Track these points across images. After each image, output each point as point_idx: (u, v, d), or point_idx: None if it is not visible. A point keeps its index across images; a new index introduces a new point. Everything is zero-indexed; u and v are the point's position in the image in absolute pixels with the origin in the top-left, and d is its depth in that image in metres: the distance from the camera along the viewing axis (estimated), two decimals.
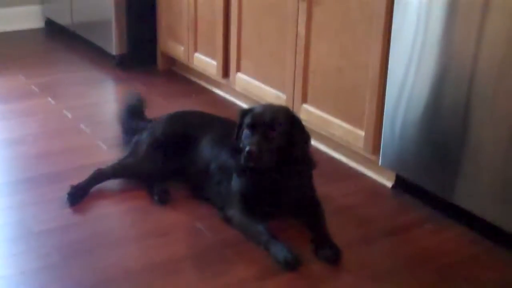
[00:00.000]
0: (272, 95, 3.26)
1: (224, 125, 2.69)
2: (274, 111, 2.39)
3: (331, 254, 2.24)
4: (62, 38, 4.82)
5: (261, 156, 2.27)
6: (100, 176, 2.66)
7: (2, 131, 3.28)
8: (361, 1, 2.69)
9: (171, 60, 4.21)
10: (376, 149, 2.77)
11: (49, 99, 3.66)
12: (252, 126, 2.31)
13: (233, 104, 3.68)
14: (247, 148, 2.26)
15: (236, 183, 2.41)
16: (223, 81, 3.68)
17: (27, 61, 4.34)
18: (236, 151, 2.39)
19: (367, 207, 2.66)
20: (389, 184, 2.80)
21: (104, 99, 3.92)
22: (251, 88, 3.44)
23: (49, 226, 2.43)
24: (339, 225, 2.47)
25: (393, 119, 2.65)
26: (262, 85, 3.34)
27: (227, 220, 2.44)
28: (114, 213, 2.57)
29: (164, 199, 2.59)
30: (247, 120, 2.34)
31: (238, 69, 3.51)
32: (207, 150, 2.60)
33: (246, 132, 2.33)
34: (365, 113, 2.77)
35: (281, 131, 2.32)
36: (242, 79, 3.49)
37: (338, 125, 2.91)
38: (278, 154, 2.32)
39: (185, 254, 2.29)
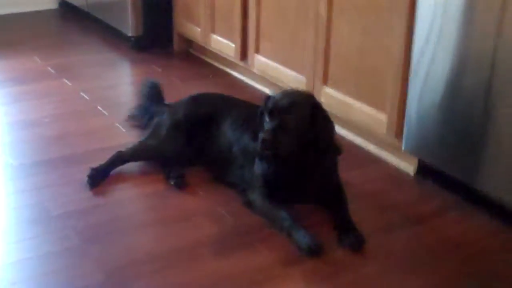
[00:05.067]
0: (291, 77, 3.21)
1: (246, 108, 2.65)
2: (293, 96, 2.32)
3: (354, 241, 2.21)
4: (76, 19, 4.78)
5: (277, 144, 2.21)
6: (120, 158, 2.63)
7: (18, 113, 3.24)
8: None
9: (188, 42, 4.16)
10: (398, 133, 2.71)
11: (65, 80, 3.63)
12: (270, 113, 2.26)
13: (251, 87, 3.64)
14: (261, 136, 2.21)
15: (258, 167, 2.37)
16: (241, 63, 3.63)
17: (42, 42, 4.31)
18: (256, 135, 2.35)
19: (390, 194, 2.61)
20: (411, 170, 2.75)
21: (120, 81, 3.88)
22: (269, 71, 3.39)
23: (68, 209, 2.40)
24: (361, 212, 2.43)
25: (417, 103, 2.59)
26: (281, 67, 3.29)
27: (249, 205, 2.40)
28: (134, 197, 2.54)
29: (180, 184, 2.56)
30: (267, 105, 2.29)
31: (257, 51, 3.46)
32: (229, 133, 2.56)
33: (265, 118, 2.28)
34: (388, 96, 2.71)
35: (298, 117, 2.25)
36: (260, 61, 3.44)
37: (360, 109, 2.86)
38: (300, 140, 2.26)
39: (206, 239, 2.26)
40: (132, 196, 2.54)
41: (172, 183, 2.57)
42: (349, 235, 2.23)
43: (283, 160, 2.29)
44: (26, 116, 3.20)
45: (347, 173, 2.61)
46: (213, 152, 2.60)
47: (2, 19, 4.76)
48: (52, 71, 3.77)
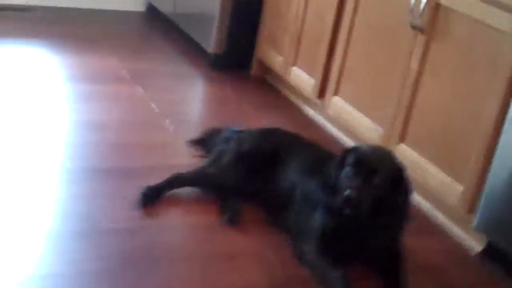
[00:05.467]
0: (367, 127, 3.06)
1: (316, 152, 2.53)
2: (381, 154, 2.20)
3: None
4: (161, 26, 4.76)
5: (360, 203, 2.08)
6: (177, 181, 2.54)
7: (85, 113, 3.19)
8: (486, 46, 2.46)
9: (266, 69, 4.06)
10: (472, 208, 2.52)
11: (138, 87, 3.58)
12: (356, 167, 2.12)
13: (322, 128, 3.50)
14: (346, 192, 2.07)
15: (319, 218, 2.22)
16: (317, 101, 3.50)
17: (122, 44, 4.29)
18: (327, 184, 2.21)
19: (451, 271, 2.43)
20: (478, 248, 2.56)
21: (192, 97, 3.81)
22: (345, 115, 3.24)
23: (115, 225, 2.31)
24: (418, 285, 2.25)
25: (499, 180, 2.40)
26: (358, 114, 3.14)
27: (299, 255, 2.25)
28: (183, 225, 2.43)
29: (232, 220, 2.44)
30: (351, 159, 2.15)
31: (336, 92, 3.32)
32: (294, 175, 2.43)
33: (347, 171, 2.14)
34: (468, 166, 2.53)
35: (384, 177, 2.12)
36: (337, 103, 3.30)
37: (434, 174, 2.68)
38: (375, 201, 2.13)
39: (249, 285, 2.13)
40: (181, 224, 2.43)
41: (225, 217, 2.45)
42: None
43: (351, 217, 2.15)
44: (92, 117, 3.14)
45: (409, 240, 2.44)
46: (273, 192, 2.47)
47: (86, 14, 4.78)
48: (127, 75, 3.73)
